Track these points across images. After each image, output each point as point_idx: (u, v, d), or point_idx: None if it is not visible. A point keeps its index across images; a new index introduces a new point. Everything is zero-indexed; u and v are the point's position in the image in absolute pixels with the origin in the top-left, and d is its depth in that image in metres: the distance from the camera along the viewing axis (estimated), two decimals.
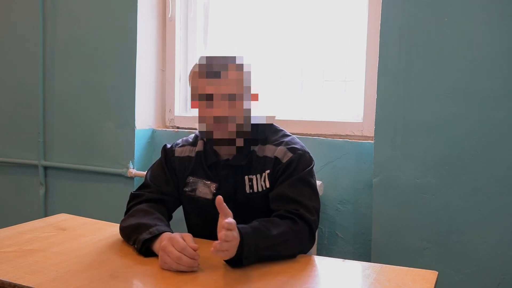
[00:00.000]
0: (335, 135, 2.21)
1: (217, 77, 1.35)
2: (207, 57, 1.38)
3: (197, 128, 1.46)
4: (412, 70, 1.88)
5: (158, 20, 2.57)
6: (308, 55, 2.34)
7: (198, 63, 1.38)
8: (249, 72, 1.40)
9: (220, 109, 1.35)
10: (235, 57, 1.38)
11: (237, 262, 1.17)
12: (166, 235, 1.23)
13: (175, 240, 1.17)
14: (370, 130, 2.11)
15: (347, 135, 2.19)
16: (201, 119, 1.38)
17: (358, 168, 2.11)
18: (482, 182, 1.81)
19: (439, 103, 1.85)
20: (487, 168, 1.80)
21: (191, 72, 1.43)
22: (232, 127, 1.36)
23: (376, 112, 1.96)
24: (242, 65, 1.38)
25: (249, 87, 1.40)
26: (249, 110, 1.40)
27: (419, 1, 1.86)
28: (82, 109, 2.61)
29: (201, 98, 1.36)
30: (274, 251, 1.22)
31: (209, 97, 1.35)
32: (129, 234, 1.32)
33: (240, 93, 1.36)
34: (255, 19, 2.44)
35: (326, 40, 2.30)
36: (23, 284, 1.06)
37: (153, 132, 2.57)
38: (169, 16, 2.57)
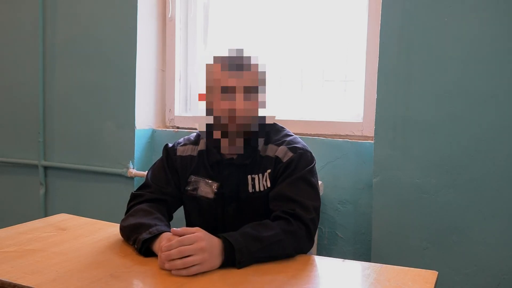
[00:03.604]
0: (335, 135, 2.21)
1: (240, 70, 1.36)
2: (226, 56, 1.38)
3: (197, 128, 1.46)
4: (412, 70, 1.88)
5: (158, 20, 2.58)
6: (308, 55, 2.34)
7: (216, 62, 1.38)
8: (264, 72, 1.42)
9: (241, 102, 1.36)
10: (249, 57, 1.39)
11: (232, 265, 1.18)
12: (166, 235, 1.23)
13: (172, 240, 1.17)
14: (370, 130, 2.11)
15: (347, 135, 2.19)
16: (216, 111, 1.37)
17: (358, 168, 2.11)
18: (482, 182, 1.81)
19: (439, 103, 1.85)
20: (487, 168, 1.80)
21: (208, 66, 1.41)
22: (249, 121, 1.37)
23: (376, 112, 1.96)
24: (261, 65, 1.41)
25: (264, 88, 1.43)
26: (257, 110, 1.41)
27: (419, 1, 1.86)
28: (82, 109, 2.62)
29: (222, 90, 1.37)
30: (268, 252, 1.22)
31: (229, 90, 1.36)
32: (129, 234, 1.32)
33: (255, 90, 1.39)
34: (255, 19, 2.44)
35: (326, 40, 2.30)
36: (23, 284, 1.06)
37: (153, 132, 2.57)
38: (169, 16, 2.57)
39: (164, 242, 1.18)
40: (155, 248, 1.23)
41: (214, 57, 1.39)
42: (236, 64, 1.36)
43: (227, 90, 1.36)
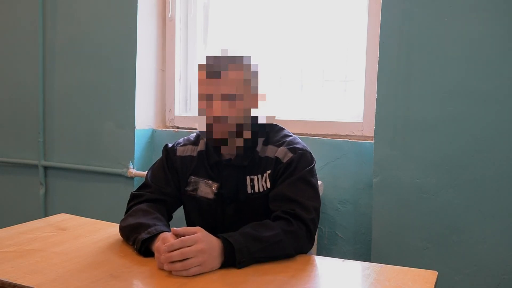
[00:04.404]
0: (335, 135, 2.21)
1: (216, 77, 1.35)
2: (213, 57, 1.37)
3: (197, 128, 1.46)
4: (412, 70, 1.88)
5: (158, 20, 2.58)
6: (308, 55, 2.34)
7: (204, 63, 1.38)
8: (256, 72, 1.40)
9: (218, 109, 1.35)
10: (242, 57, 1.37)
11: (232, 265, 1.18)
12: (164, 235, 1.23)
13: (168, 240, 1.17)
14: (370, 130, 2.11)
15: (347, 135, 2.19)
16: (204, 118, 1.38)
17: (358, 168, 2.11)
18: (482, 182, 1.81)
19: (439, 103, 1.85)
20: (487, 168, 1.80)
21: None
22: (231, 127, 1.36)
23: (376, 112, 1.96)
24: (248, 65, 1.38)
25: (256, 87, 1.41)
26: (250, 110, 1.40)
27: (419, 1, 1.86)
28: (82, 109, 2.62)
29: (201, 98, 1.37)
30: (268, 252, 1.22)
31: (209, 97, 1.36)
32: (128, 234, 1.32)
33: (240, 93, 1.36)
34: (255, 19, 2.44)
35: (326, 40, 2.30)
36: (23, 284, 1.06)
37: (153, 132, 2.57)
38: (169, 16, 2.57)
39: (160, 242, 1.17)
40: (154, 248, 1.23)
41: (199, 65, 1.38)
42: (215, 71, 1.35)
43: (205, 98, 1.36)
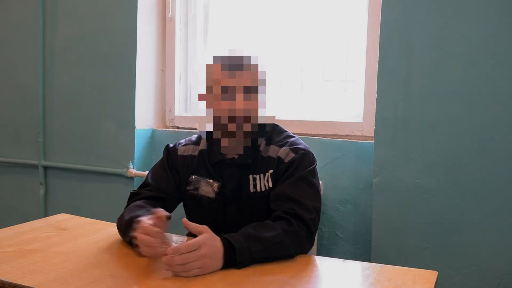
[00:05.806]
0: (335, 135, 2.21)
1: (239, 70, 1.37)
2: (226, 56, 1.39)
3: (197, 128, 1.46)
4: (412, 70, 1.88)
5: (158, 20, 2.57)
6: (308, 55, 2.34)
7: (216, 62, 1.39)
8: (264, 72, 1.43)
9: (238, 102, 1.36)
10: (249, 57, 1.40)
11: (233, 266, 1.18)
12: (139, 221, 1.23)
13: (145, 228, 1.19)
14: (370, 130, 2.11)
15: (347, 135, 2.19)
16: (216, 111, 1.38)
17: (358, 168, 2.11)
18: (482, 182, 1.81)
19: (439, 103, 1.85)
20: (487, 168, 1.80)
21: (208, 66, 1.42)
22: (247, 120, 1.37)
23: (376, 112, 1.96)
24: (258, 65, 1.41)
25: (264, 88, 1.43)
26: (257, 110, 1.41)
27: (419, 1, 1.86)
28: (82, 109, 2.62)
29: (222, 90, 1.37)
30: (269, 253, 1.22)
31: (229, 90, 1.37)
32: (125, 230, 1.32)
33: (255, 90, 1.38)
34: (255, 19, 2.44)
35: (326, 40, 2.30)
36: (23, 284, 1.06)
37: (153, 132, 2.57)
38: (169, 16, 2.57)
39: (140, 232, 1.18)
40: (134, 237, 1.23)
41: (214, 57, 1.40)
42: (236, 64, 1.37)
43: (227, 90, 1.37)
